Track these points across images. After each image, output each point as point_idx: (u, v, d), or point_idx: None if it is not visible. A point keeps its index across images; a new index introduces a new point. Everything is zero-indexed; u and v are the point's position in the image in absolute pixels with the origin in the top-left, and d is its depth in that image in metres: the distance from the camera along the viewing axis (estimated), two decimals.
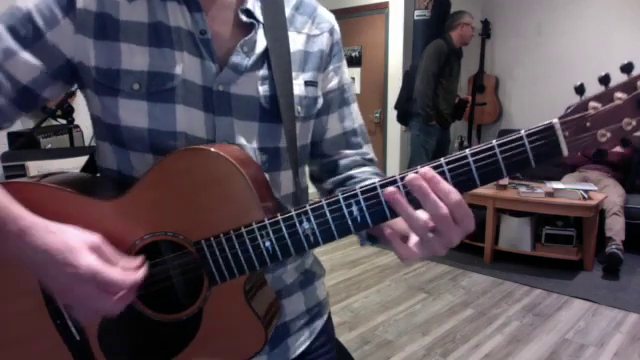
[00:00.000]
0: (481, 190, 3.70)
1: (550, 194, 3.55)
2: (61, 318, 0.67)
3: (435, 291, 3.34)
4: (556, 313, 3.00)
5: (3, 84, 0.66)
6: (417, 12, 4.52)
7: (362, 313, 3.01)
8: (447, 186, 0.56)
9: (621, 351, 2.56)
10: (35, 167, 1.39)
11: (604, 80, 0.52)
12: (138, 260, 0.63)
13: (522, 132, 0.54)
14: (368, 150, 0.87)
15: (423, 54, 4.12)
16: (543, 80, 5.14)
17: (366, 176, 0.81)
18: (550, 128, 0.53)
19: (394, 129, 5.23)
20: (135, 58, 0.67)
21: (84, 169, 0.82)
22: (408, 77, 4.30)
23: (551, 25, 5.11)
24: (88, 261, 0.57)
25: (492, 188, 3.79)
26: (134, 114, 0.67)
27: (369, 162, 0.86)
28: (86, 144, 3.35)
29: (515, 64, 5.42)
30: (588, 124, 0.52)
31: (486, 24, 5.37)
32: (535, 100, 5.20)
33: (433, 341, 2.68)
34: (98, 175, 0.78)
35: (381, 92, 5.43)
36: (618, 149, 4.01)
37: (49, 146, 2.81)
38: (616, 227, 3.56)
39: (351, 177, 0.82)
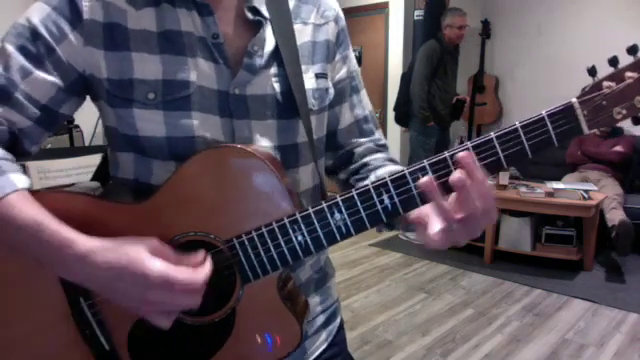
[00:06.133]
0: None
1: (550, 194, 3.55)
2: (89, 328, 0.65)
3: (435, 291, 3.33)
4: (556, 313, 3.00)
5: (25, 105, 0.64)
6: (417, 12, 4.52)
7: (362, 313, 3.00)
8: (482, 175, 0.56)
9: (621, 351, 2.55)
10: (35, 167, 1.39)
11: (613, 62, 0.56)
12: (200, 255, 0.61)
13: (543, 113, 0.56)
14: (380, 136, 0.87)
15: (416, 56, 4.12)
16: (543, 80, 5.13)
17: (380, 163, 0.80)
18: (570, 108, 0.56)
19: (394, 129, 5.22)
20: (148, 67, 0.65)
21: (96, 175, 0.80)
22: (405, 79, 4.30)
23: (551, 25, 5.11)
24: (156, 267, 0.56)
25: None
26: (151, 124, 0.66)
27: (382, 148, 0.85)
28: (86, 144, 3.35)
29: (515, 64, 5.41)
30: (604, 102, 0.55)
31: (486, 24, 5.36)
32: (535, 100, 5.19)
33: (433, 341, 2.68)
34: (111, 183, 0.76)
35: (381, 92, 5.43)
36: (618, 148, 4.08)
37: (49, 146, 2.81)
38: (617, 215, 3.54)
39: (365, 165, 0.81)
